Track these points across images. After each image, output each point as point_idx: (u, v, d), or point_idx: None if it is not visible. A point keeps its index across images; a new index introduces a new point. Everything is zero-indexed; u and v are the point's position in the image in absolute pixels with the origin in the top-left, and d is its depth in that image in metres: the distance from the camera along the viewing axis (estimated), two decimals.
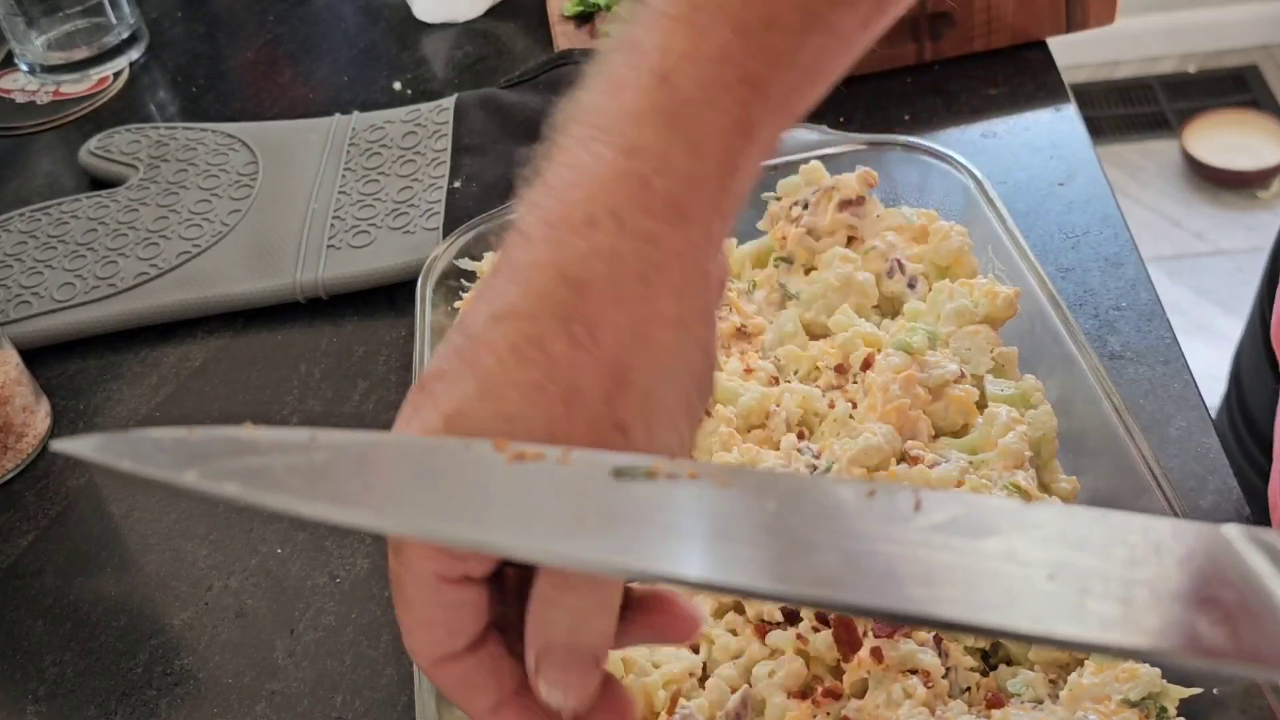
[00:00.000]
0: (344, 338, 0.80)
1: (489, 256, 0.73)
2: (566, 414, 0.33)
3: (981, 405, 0.61)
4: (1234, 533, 0.29)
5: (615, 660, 0.53)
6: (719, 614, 0.57)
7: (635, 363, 0.34)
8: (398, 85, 1.01)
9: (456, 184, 0.86)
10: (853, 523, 0.29)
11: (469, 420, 0.34)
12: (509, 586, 0.38)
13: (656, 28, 0.36)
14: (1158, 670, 0.49)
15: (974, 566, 0.28)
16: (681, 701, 0.52)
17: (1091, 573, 0.28)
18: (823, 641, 0.52)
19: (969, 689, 0.53)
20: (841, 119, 0.88)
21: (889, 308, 0.69)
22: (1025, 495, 0.55)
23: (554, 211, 0.35)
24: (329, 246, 0.83)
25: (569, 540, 0.29)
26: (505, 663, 0.38)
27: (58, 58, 1.07)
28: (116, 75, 1.08)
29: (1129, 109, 2.48)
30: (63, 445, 0.32)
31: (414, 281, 0.72)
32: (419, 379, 0.36)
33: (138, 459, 0.32)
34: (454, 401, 0.34)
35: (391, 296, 0.80)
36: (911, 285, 0.68)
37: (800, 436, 0.62)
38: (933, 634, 0.52)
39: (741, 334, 0.67)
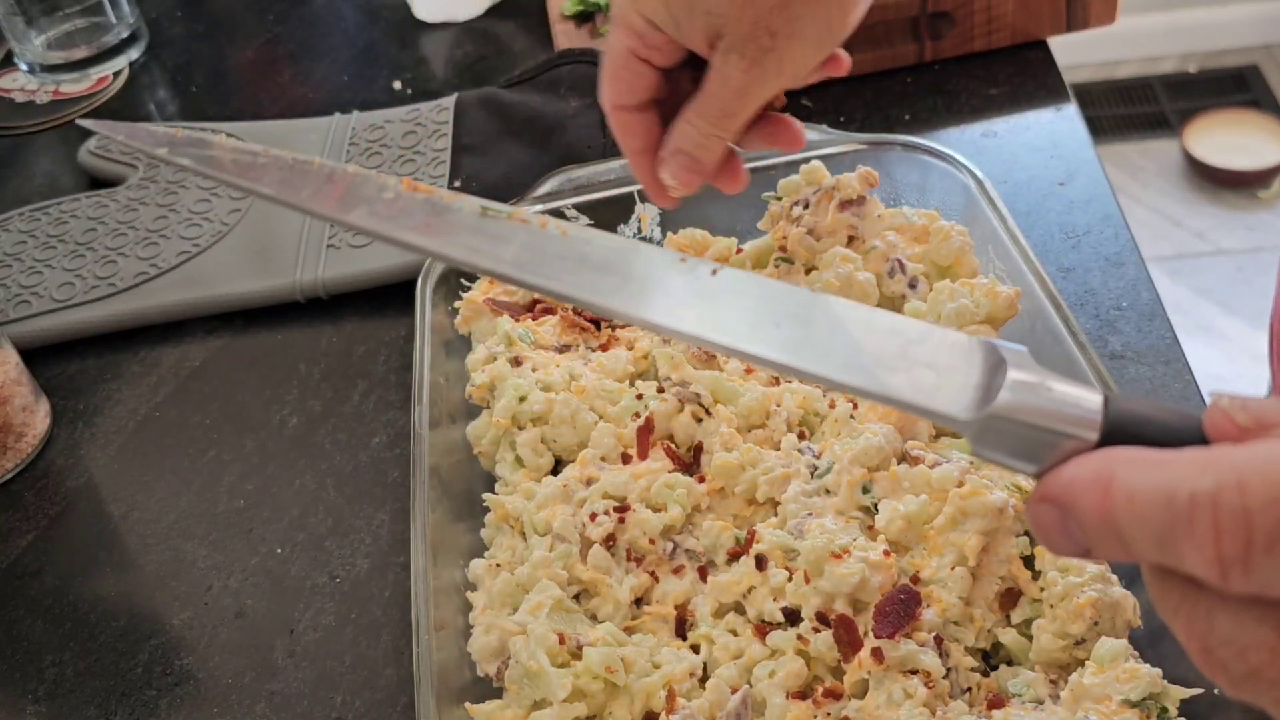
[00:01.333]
0: (344, 338, 0.80)
1: None
2: (745, 4, 0.49)
3: None
4: (984, 341, 0.36)
5: (616, 660, 0.53)
6: (719, 614, 0.57)
7: None
8: (398, 85, 1.01)
9: (457, 184, 0.85)
10: (657, 271, 0.39)
11: None
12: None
13: None
14: (1159, 670, 0.49)
15: (733, 306, 0.37)
16: (681, 701, 0.52)
17: (822, 330, 0.36)
18: (823, 642, 0.52)
19: (970, 689, 0.52)
20: (842, 119, 0.88)
21: (890, 308, 0.69)
22: (1025, 495, 0.55)
23: None
24: (329, 246, 0.83)
25: (418, 235, 0.40)
26: (656, 132, 0.56)
27: (57, 57, 1.07)
28: (116, 75, 1.08)
29: (1129, 109, 2.48)
30: (86, 122, 0.46)
31: (414, 281, 0.72)
32: None
33: (131, 135, 0.44)
34: None
35: (391, 296, 0.80)
36: (912, 285, 0.68)
37: (801, 436, 0.61)
38: (933, 634, 0.52)
39: None
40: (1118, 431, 0.32)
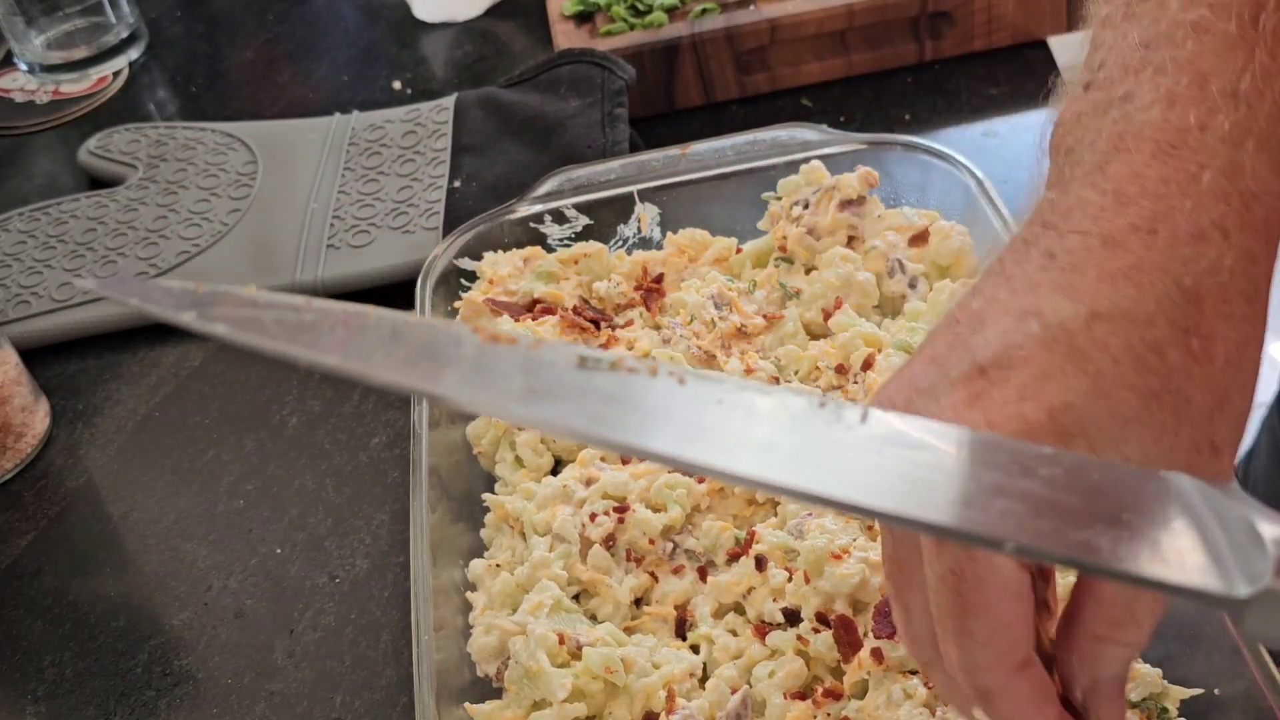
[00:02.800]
0: None
1: (489, 256, 0.72)
2: (1175, 425, 0.34)
3: None
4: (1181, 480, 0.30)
5: (615, 660, 0.53)
6: (719, 615, 0.57)
7: (1234, 382, 0.35)
8: (397, 85, 1.01)
9: (456, 183, 0.85)
10: (803, 424, 0.32)
11: (1079, 415, 0.34)
12: None
13: (1208, 45, 0.35)
14: (1159, 670, 0.49)
15: (906, 472, 0.30)
16: (681, 702, 0.52)
17: (1010, 480, 0.30)
18: (823, 642, 0.52)
19: None
20: (842, 119, 0.88)
21: (890, 308, 0.69)
22: None
23: (1147, 220, 0.35)
24: (329, 246, 0.82)
25: (525, 404, 0.33)
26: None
27: (57, 57, 1.07)
28: (116, 75, 1.08)
29: None
30: (84, 283, 0.39)
31: (414, 281, 0.71)
32: (974, 362, 0.36)
33: (144, 298, 0.36)
34: (1061, 395, 0.34)
35: (391, 296, 0.80)
36: (912, 285, 0.68)
37: None
38: None
39: (741, 334, 0.67)
40: None
